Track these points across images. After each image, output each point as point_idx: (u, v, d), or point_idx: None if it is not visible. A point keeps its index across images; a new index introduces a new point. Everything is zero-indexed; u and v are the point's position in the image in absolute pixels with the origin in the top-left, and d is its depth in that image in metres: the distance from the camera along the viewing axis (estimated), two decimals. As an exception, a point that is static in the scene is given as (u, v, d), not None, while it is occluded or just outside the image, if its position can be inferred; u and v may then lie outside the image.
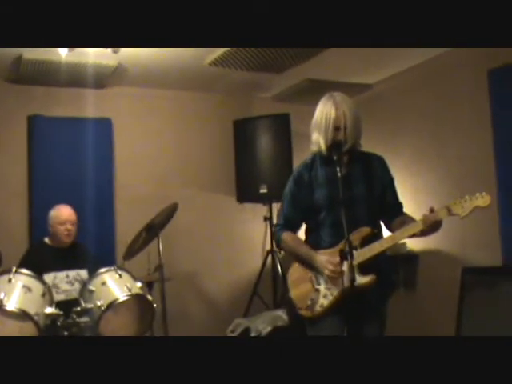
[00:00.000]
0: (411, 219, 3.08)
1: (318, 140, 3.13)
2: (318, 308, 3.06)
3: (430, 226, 2.94)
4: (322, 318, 3.07)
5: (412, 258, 5.43)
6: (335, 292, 3.03)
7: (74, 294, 4.42)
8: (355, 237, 2.98)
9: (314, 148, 3.19)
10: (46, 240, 4.73)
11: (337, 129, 3.06)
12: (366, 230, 3.04)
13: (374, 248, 3.01)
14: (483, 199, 2.94)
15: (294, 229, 3.30)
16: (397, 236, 3.04)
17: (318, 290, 3.08)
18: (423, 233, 2.97)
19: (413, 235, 2.99)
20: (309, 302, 3.08)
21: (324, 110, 3.10)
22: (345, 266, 2.88)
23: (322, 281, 3.09)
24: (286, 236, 3.26)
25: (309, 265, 3.15)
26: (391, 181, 3.26)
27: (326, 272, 3.03)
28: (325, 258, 3.05)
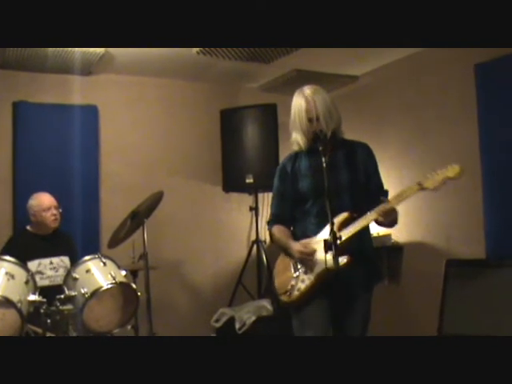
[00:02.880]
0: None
1: (296, 138, 3.18)
2: (295, 292, 3.09)
3: (385, 215, 2.97)
4: (305, 304, 3.09)
5: (396, 249, 5.45)
6: (312, 276, 3.06)
7: (58, 280, 4.43)
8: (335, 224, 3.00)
9: (294, 147, 3.24)
10: (29, 228, 4.71)
11: (310, 120, 3.09)
12: (344, 215, 3.05)
13: (349, 231, 3.01)
14: (453, 169, 2.93)
15: (286, 223, 3.31)
16: (364, 219, 3.04)
17: (297, 276, 3.12)
18: (385, 223, 3.04)
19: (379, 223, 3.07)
20: (288, 287, 3.12)
21: (296, 106, 3.15)
22: (323, 251, 2.90)
23: (300, 267, 3.13)
24: (275, 230, 3.31)
25: (288, 254, 3.20)
26: (375, 168, 3.26)
27: (297, 256, 3.09)
28: (298, 245, 3.10)
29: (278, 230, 3.30)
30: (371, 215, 3.01)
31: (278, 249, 3.34)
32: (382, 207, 2.97)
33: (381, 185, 3.27)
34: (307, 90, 3.14)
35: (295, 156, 3.26)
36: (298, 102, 3.13)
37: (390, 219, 3.02)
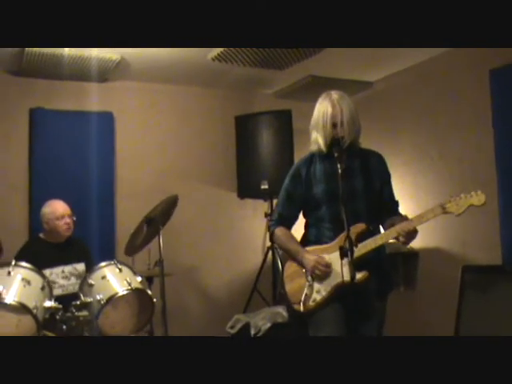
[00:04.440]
0: (402, 220, 3.07)
1: (317, 139, 3.18)
2: (310, 303, 3.08)
3: (407, 235, 2.97)
4: (321, 309, 3.08)
5: (412, 255, 5.43)
6: (329, 287, 3.06)
7: (71, 289, 4.41)
8: (351, 232, 2.99)
9: (313, 147, 3.24)
10: (41, 235, 4.70)
11: (334, 125, 3.10)
12: (361, 226, 3.06)
13: (368, 244, 3.03)
14: (478, 197, 2.94)
15: (288, 224, 3.34)
16: (384, 236, 3.05)
17: (311, 285, 3.10)
18: (403, 240, 3.00)
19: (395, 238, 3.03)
20: (302, 297, 3.10)
21: (321, 109, 3.15)
22: (342, 262, 2.89)
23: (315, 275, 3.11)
24: (278, 231, 3.31)
25: (298, 262, 3.19)
26: (389, 178, 3.29)
27: (317, 273, 3.06)
28: (313, 259, 3.08)
29: (282, 232, 3.30)
30: (391, 233, 3.01)
31: (281, 250, 3.35)
32: (403, 226, 2.97)
33: (392, 196, 3.29)
34: (335, 94, 3.16)
35: (310, 159, 3.27)
36: (325, 106, 3.14)
37: (410, 239, 3.02)
